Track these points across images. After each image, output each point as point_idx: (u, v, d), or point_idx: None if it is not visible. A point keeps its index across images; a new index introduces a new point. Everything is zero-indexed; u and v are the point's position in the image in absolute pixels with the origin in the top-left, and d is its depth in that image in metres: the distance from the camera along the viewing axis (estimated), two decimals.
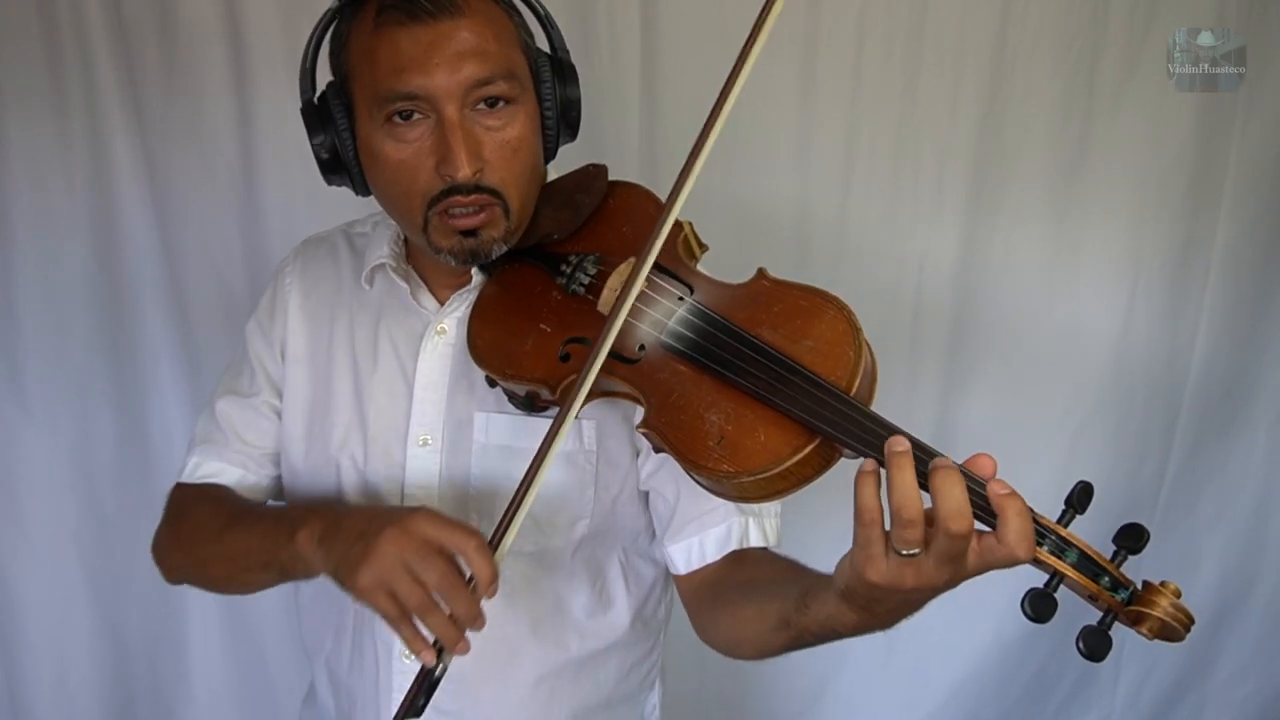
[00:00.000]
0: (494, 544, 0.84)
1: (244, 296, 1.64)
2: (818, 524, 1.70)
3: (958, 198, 1.70)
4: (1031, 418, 1.80)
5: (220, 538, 1.01)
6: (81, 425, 1.69)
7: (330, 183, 1.00)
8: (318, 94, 0.98)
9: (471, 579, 0.83)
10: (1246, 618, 1.94)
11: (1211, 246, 1.75)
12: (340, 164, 0.97)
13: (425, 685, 0.84)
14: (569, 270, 0.95)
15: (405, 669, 1.05)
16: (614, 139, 1.64)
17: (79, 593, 1.74)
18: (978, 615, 1.83)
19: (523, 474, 0.84)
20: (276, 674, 1.80)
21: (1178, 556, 1.89)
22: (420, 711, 0.84)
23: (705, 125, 0.84)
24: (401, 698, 0.91)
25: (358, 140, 0.96)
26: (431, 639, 0.83)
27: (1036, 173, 1.70)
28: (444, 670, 0.84)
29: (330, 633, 1.12)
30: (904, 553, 0.69)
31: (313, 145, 0.97)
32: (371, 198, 1.01)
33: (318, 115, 0.97)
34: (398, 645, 1.06)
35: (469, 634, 0.83)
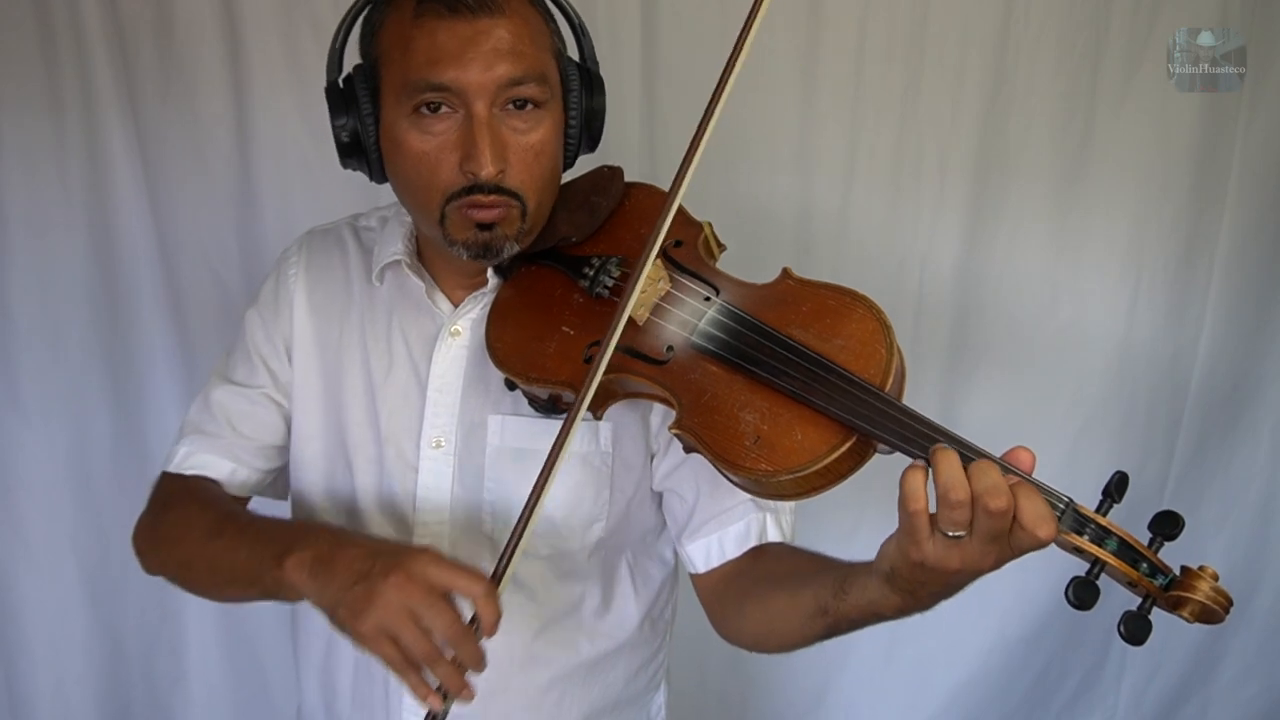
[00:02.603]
0: (498, 577, 0.82)
1: (240, 296, 1.63)
2: (828, 520, 1.69)
3: (960, 197, 1.70)
4: (1034, 418, 1.79)
5: (205, 544, 0.96)
6: (78, 427, 1.68)
7: (346, 166, 0.99)
8: (343, 76, 0.98)
9: (474, 620, 0.81)
10: (1251, 619, 1.93)
11: (1215, 246, 1.75)
12: (360, 148, 0.96)
13: None
14: (592, 273, 0.95)
15: None
16: (614, 139, 1.61)
17: (76, 596, 1.73)
18: (980, 616, 1.81)
19: (532, 485, 0.83)
20: (273, 677, 1.79)
21: (1181, 558, 1.87)
22: None
23: (705, 113, 0.85)
24: (409, 702, 0.89)
25: (381, 126, 0.95)
26: (435, 684, 0.81)
27: (1039, 172, 1.70)
28: (446, 713, 0.82)
29: (327, 641, 1.11)
30: (950, 534, 0.70)
31: (334, 127, 0.96)
32: (369, 194, 1.00)
33: (342, 97, 0.96)
34: None
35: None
